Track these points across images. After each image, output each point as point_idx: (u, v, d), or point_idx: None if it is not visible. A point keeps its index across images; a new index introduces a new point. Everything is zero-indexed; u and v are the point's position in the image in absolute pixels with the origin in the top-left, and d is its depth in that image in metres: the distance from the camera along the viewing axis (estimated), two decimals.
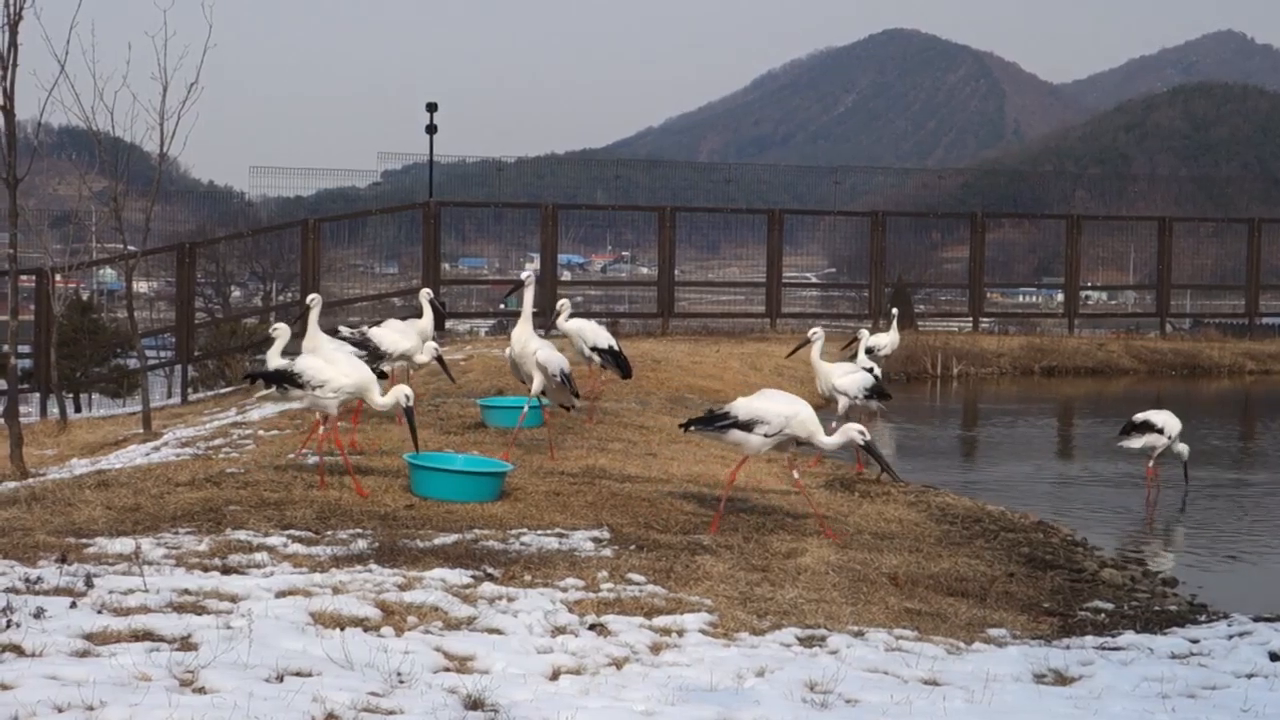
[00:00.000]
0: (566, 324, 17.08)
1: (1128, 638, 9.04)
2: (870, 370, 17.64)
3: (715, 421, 11.83)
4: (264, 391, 13.19)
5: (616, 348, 17.10)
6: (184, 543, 9.86)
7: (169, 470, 12.97)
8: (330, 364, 12.32)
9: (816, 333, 16.50)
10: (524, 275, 15.25)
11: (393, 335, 15.84)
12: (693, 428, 12.05)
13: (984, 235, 37.15)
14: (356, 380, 12.23)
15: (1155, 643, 8.83)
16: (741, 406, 11.74)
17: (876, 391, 16.67)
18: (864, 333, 20.40)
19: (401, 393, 12.18)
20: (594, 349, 16.92)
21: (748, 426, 11.60)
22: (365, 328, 16.58)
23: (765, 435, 11.54)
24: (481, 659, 7.34)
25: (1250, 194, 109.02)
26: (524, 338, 14.56)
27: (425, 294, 17.29)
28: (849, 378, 16.52)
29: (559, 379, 14.47)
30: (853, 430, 11.60)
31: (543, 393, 14.64)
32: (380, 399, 12.43)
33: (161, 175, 21.35)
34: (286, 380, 12.31)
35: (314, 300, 15.14)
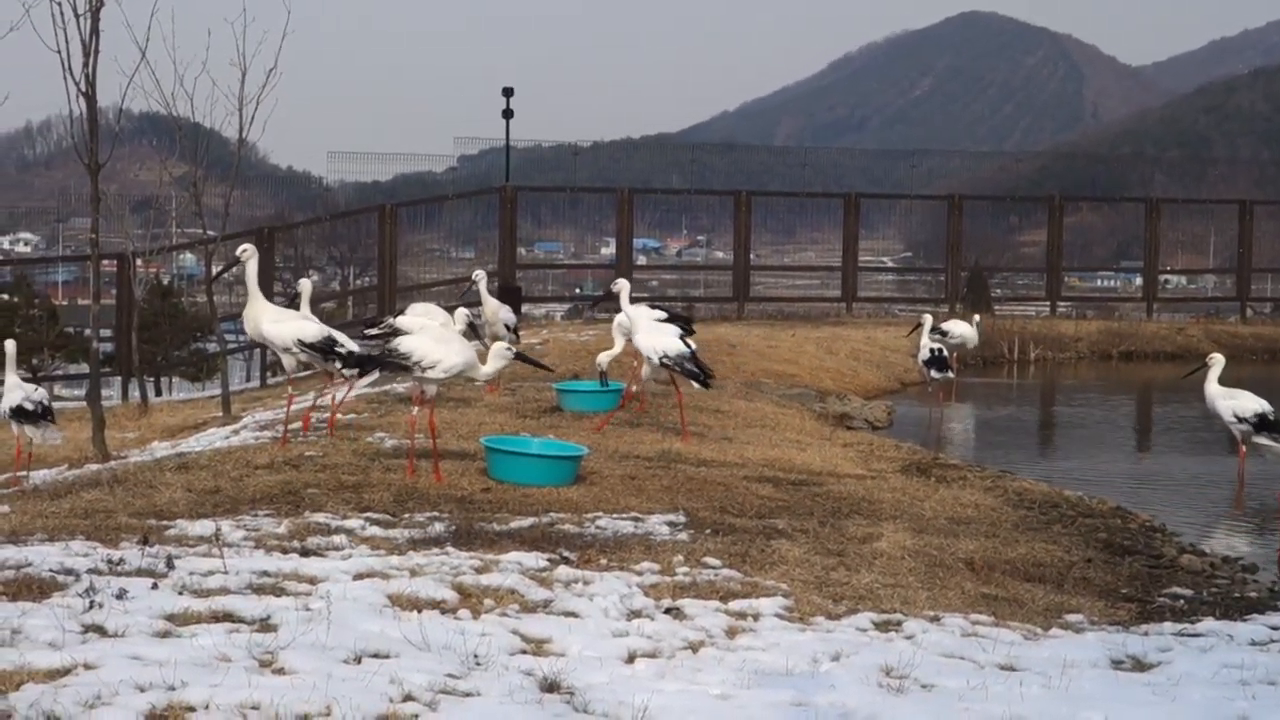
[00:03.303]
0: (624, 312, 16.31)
1: (1207, 624, 8.96)
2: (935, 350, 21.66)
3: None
4: (371, 378, 13.26)
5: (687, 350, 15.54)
6: (263, 525, 9.94)
7: (248, 453, 13.08)
8: (441, 342, 12.19)
9: (927, 318, 22.50)
10: (614, 286, 15.60)
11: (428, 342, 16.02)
12: None
13: (1061, 219, 36.93)
14: (465, 359, 12.15)
15: (1235, 629, 8.76)
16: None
17: (934, 363, 21.34)
18: (927, 317, 22.07)
19: (501, 349, 12.21)
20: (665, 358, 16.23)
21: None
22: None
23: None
24: (558, 642, 7.37)
25: None
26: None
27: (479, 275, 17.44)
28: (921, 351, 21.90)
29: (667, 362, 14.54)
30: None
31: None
32: (485, 369, 12.37)
33: (240, 160, 21.50)
34: (396, 363, 12.15)
35: (304, 285, 16.02)
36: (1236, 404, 15.38)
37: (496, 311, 19.03)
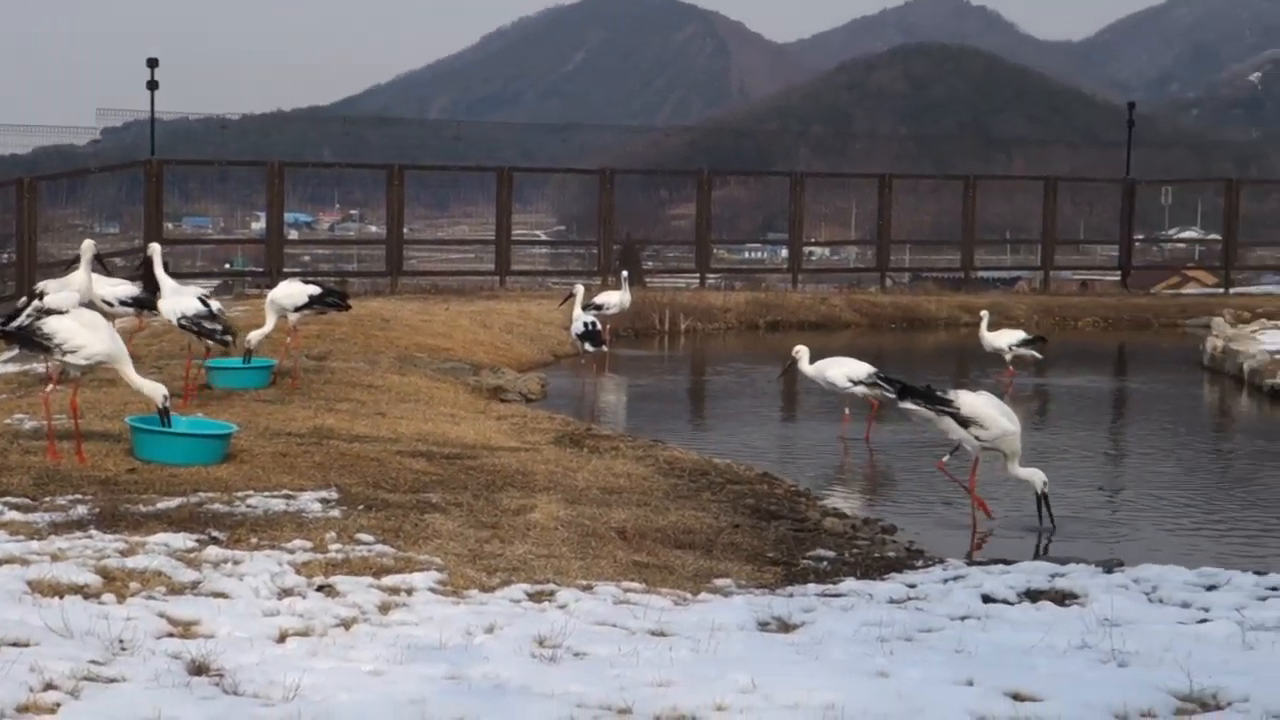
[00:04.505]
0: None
1: (848, 584, 9.27)
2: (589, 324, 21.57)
3: None
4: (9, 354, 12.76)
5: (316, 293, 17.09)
6: None
7: None
8: (89, 328, 11.78)
9: (579, 288, 22.74)
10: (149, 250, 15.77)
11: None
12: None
13: (710, 193, 37.57)
14: (109, 349, 11.78)
15: (875, 588, 9.08)
16: None
17: (588, 337, 21.40)
18: (579, 288, 22.49)
19: (160, 392, 11.87)
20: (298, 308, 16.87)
21: None
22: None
23: None
24: (207, 623, 7.26)
25: (966, 152, 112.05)
26: None
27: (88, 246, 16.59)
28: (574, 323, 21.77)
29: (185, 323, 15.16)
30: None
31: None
32: (136, 376, 12.05)
33: None
34: (31, 341, 11.73)
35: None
36: (848, 369, 16.49)
37: (98, 287, 17.67)
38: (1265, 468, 15.97)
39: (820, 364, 16.76)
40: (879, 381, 16.09)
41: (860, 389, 16.37)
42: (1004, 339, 22.21)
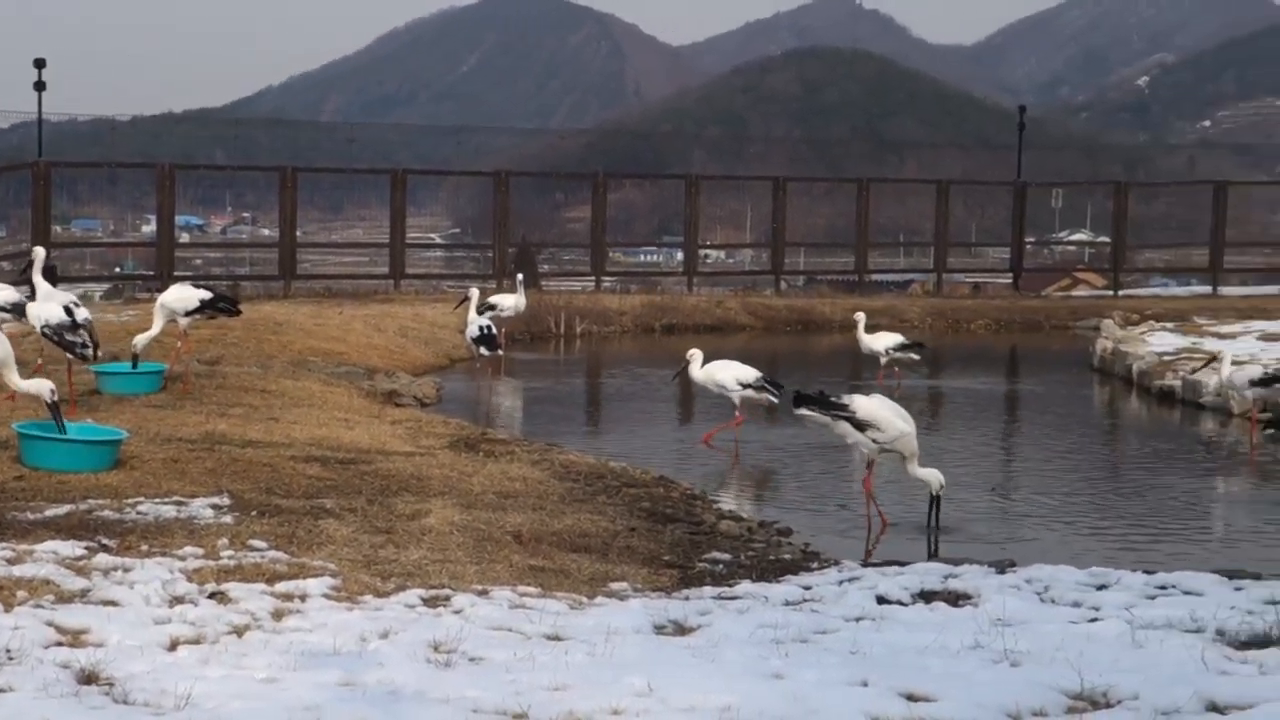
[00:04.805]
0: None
1: (744, 587, 9.30)
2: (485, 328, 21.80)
3: None
4: None
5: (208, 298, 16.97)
6: None
7: None
8: None
9: (474, 291, 23.05)
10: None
11: None
12: None
13: (606, 195, 37.60)
14: None
15: (770, 591, 9.11)
16: None
17: (484, 341, 21.59)
18: (474, 292, 22.59)
19: (46, 387, 11.73)
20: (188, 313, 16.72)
21: None
22: None
23: None
24: (96, 632, 7.16)
25: (859, 154, 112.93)
26: None
27: None
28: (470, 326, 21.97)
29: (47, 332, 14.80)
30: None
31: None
32: (19, 379, 11.92)
33: None
34: None
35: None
36: (737, 372, 16.69)
37: None
38: (1155, 469, 16.18)
39: (709, 367, 16.86)
40: (765, 385, 16.50)
41: (749, 392, 16.54)
42: (881, 342, 22.32)
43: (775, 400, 16.72)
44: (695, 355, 16.98)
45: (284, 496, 11.14)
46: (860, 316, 22.86)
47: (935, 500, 12.23)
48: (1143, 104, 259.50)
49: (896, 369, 22.37)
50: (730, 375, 16.62)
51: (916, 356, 22.60)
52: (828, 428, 12.57)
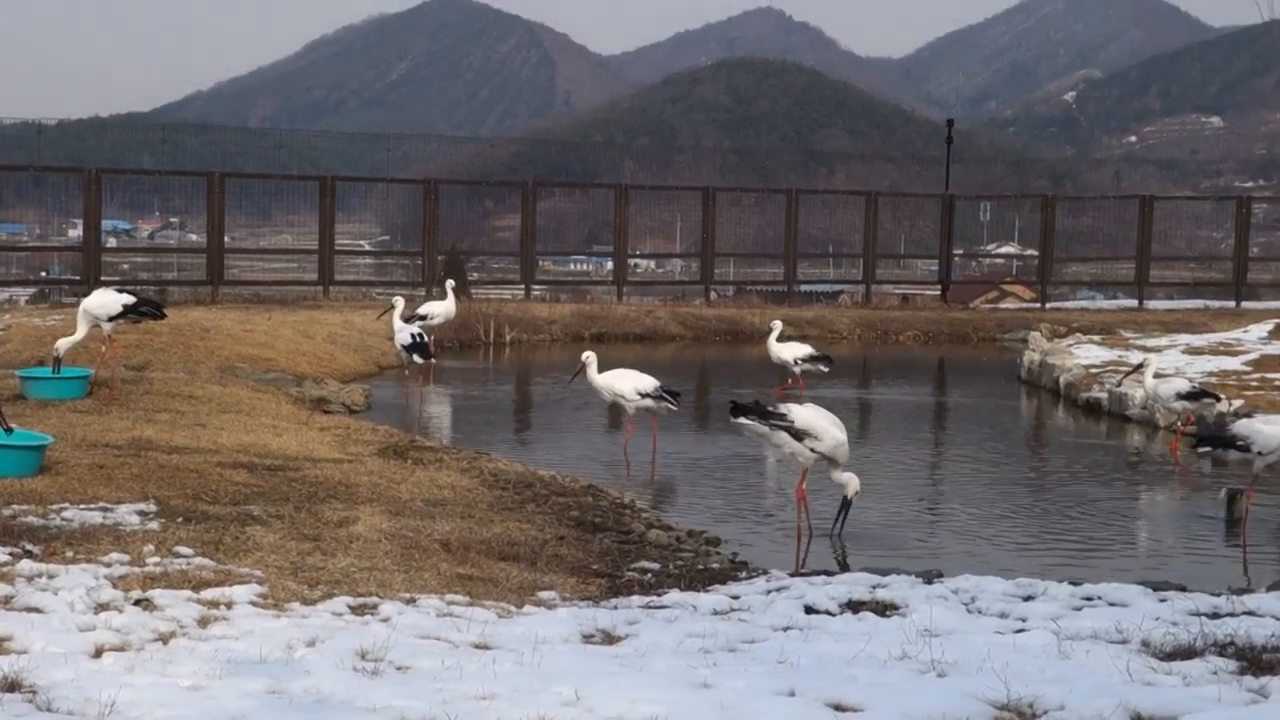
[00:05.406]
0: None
1: (673, 596, 9.29)
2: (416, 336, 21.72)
3: None
4: None
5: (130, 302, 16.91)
6: None
7: None
8: None
9: (398, 300, 23.01)
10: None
11: None
12: None
13: (535, 204, 37.61)
14: None
15: (698, 600, 9.11)
16: None
17: (417, 349, 21.31)
18: (399, 300, 22.65)
19: None
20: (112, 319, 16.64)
21: None
22: None
23: None
24: (19, 639, 7.09)
25: (789, 165, 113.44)
26: None
27: None
28: (399, 334, 21.83)
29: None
30: None
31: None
32: None
33: None
34: None
35: None
36: (637, 382, 16.69)
37: None
38: (1081, 480, 16.29)
39: (608, 375, 16.85)
40: (664, 395, 16.53)
41: (648, 402, 16.54)
42: (790, 352, 22.42)
43: (674, 409, 16.75)
44: (590, 359, 16.95)
45: (211, 503, 11.07)
46: (776, 324, 22.93)
47: (847, 505, 12.34)
48: (1070, 118, 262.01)
49: (791, 380, 22.48)
50: (629, 385, 16.63)
51: (825, 368, 22.68)
52: (765, 437, 12.58)
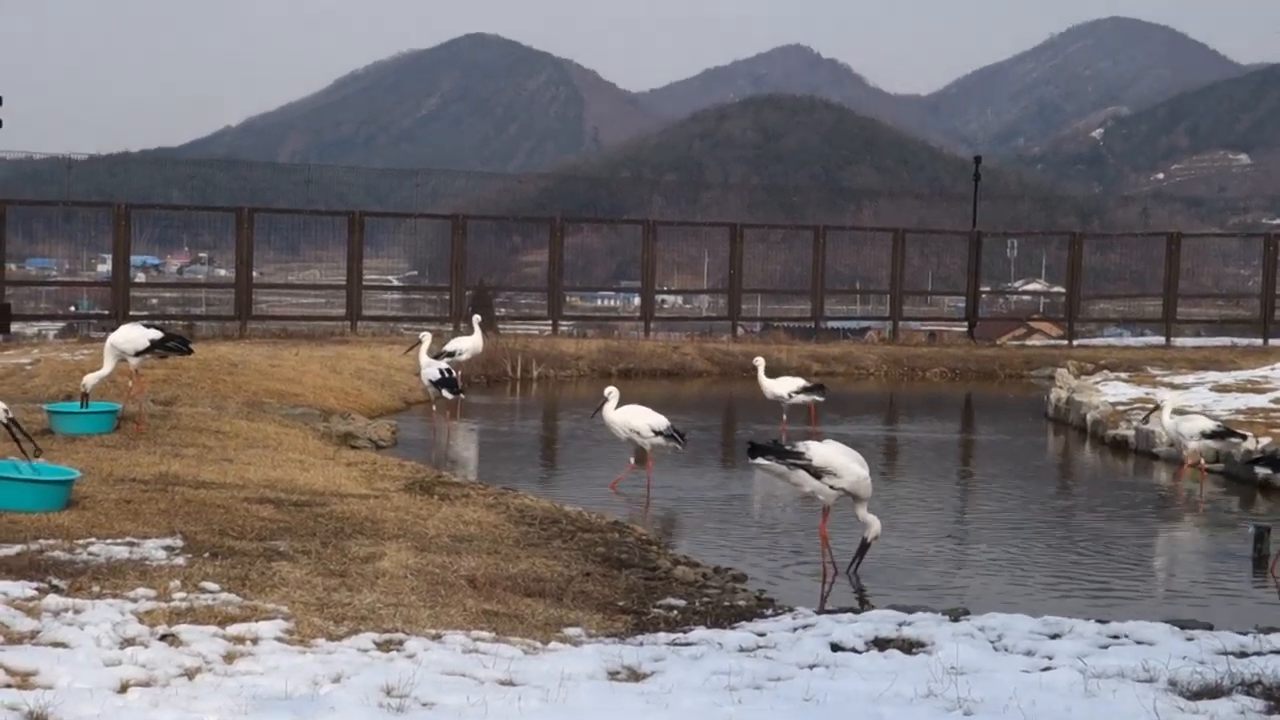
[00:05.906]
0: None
1: (698, 633, 9.27)
2: (445, 371, 21.89)
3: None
4: None
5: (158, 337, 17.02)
6: None
7: None
8: None
9: (425, 335, 23.12)
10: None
11: None
12: None
13: (563, 239, 37.69)
14: None
15: (724, 637, 9.08)
16: None
17: (445, 384, 21.63)
18: (426, 335, 22.70)
19: None
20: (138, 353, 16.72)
21: None
22: None
23: None
24: (45, 674, 7.09)
25: (816, 202, 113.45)
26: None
27: None
28: (426, 369, 22.08)
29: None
30: None
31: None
32: None
33: None
34: None
35: None
36: (651, 420, 16.84)
37: None
38: (1108, 518, 16.23)
39: (624, 411, 16.94)
40: (674, 434, 16.68)
41: (660, 439, 16.67)
42: (783, 387, 22.43)
43: (681, 448, 16.96)
44: (612, 394, 17.03)
45: (237, 538, 11.08)
46: (760, 361, 22.90)
47: (865, 547, 12.30)
48: (1097, 155, 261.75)
49: (786, 416, 22.47)
50: (645, 422, 16.75)
51: (820, 398, 22.67)
52: (784, 477, 12.52)
